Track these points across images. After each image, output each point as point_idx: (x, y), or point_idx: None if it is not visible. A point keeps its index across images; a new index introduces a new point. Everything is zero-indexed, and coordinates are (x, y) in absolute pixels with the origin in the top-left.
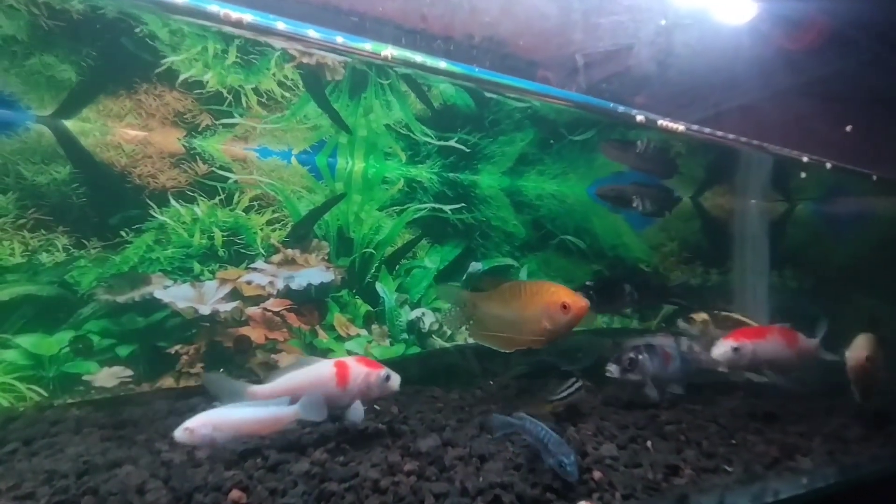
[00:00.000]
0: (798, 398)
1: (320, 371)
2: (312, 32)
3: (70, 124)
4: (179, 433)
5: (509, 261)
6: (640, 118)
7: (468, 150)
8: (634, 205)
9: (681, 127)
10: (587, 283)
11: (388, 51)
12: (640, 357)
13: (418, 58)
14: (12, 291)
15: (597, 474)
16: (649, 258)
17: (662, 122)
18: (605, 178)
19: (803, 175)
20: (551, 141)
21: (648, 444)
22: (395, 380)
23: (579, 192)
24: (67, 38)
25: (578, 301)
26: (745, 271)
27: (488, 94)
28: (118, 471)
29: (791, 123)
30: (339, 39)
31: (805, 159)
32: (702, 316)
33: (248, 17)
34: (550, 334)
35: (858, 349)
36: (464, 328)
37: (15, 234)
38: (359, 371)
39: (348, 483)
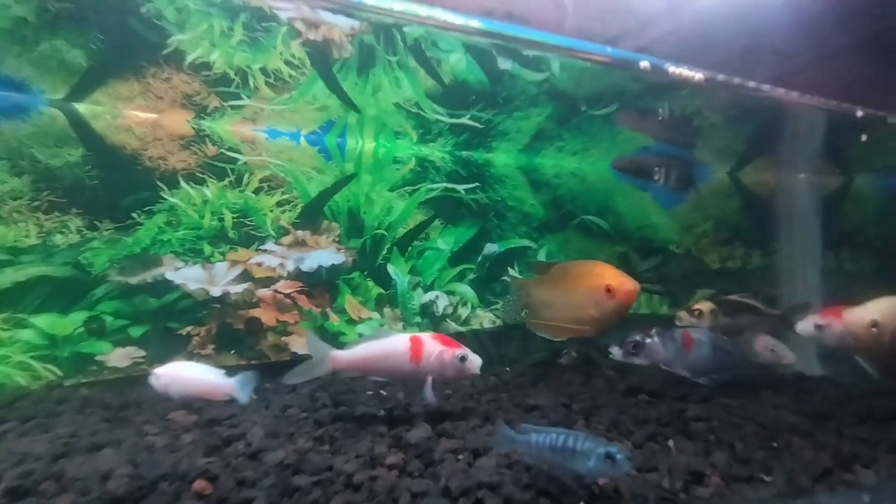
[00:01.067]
0: (862, 395)
1: (395, 344)
2: None
3: (82, 107)
4: (152, 377)
5: (527, 242)
6: (644, 64)
7: (481, 128)
8: (656, 178)
9: (699, 75)
10: None
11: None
12: (648, 341)
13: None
14: (28, 272)
15: (601, 479)
16: (680, 239)
17: (676, 70)
18: (631, 153)
19: (864, 138)
20: (580, 112)
21: (670, 443)
22: (475, 362)
23: (601, 169)
24: (76, 21)
25: (625, 283)
26: (794, 253)
27: (501, 67)
28: (96, 454)
29: (847, 82)
30: None
31: (860, 114)
32: (707, 305)
33: None
34: (598, 322)
35: (861, 312)
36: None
37: (30, 216)
38: (433, 348)
39: (319, 477)
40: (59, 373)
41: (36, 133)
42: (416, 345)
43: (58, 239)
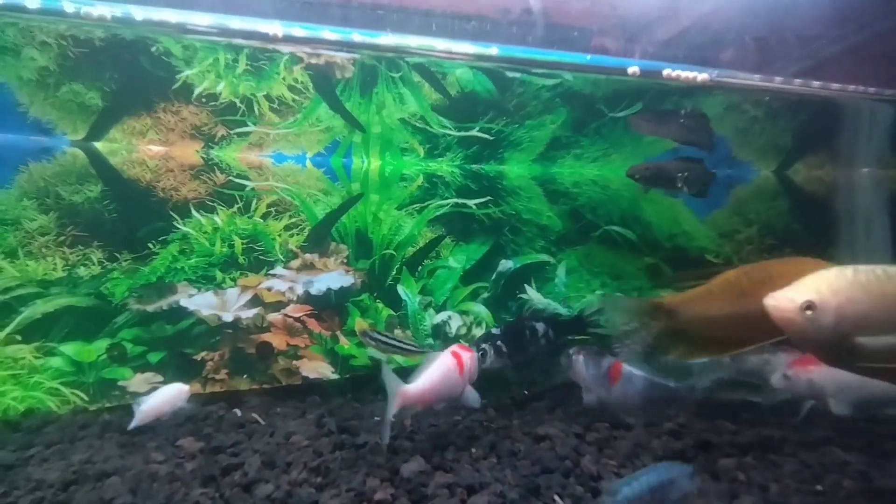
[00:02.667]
0: None
1: (446, 363)
2: (328, 34)
3: (100, 145)
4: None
5: (544, 257)
6: (632, 70)
7: (492, 139)
8: (678, 185)
9: (703, 76)
10: (493, 331)
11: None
12: (573, 357)
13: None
14: (56, 303)
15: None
16: (718, 247)
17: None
18: (660, 156)
19: None
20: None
21: None
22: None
23: (625, 175)
24: (92, 65)
25: None
26: (857, 259)
27: (510, 74)
28: (104, 482)
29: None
30: (356, 37)
31: None
32: None
33: (277, 29)
34: None
35: (790, 294)
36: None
37: (56, 251)
38: (468, 356)
39: None
40: (86, 398)
41: (60, 172)
42: (459, 359)
43: (82, 271)
